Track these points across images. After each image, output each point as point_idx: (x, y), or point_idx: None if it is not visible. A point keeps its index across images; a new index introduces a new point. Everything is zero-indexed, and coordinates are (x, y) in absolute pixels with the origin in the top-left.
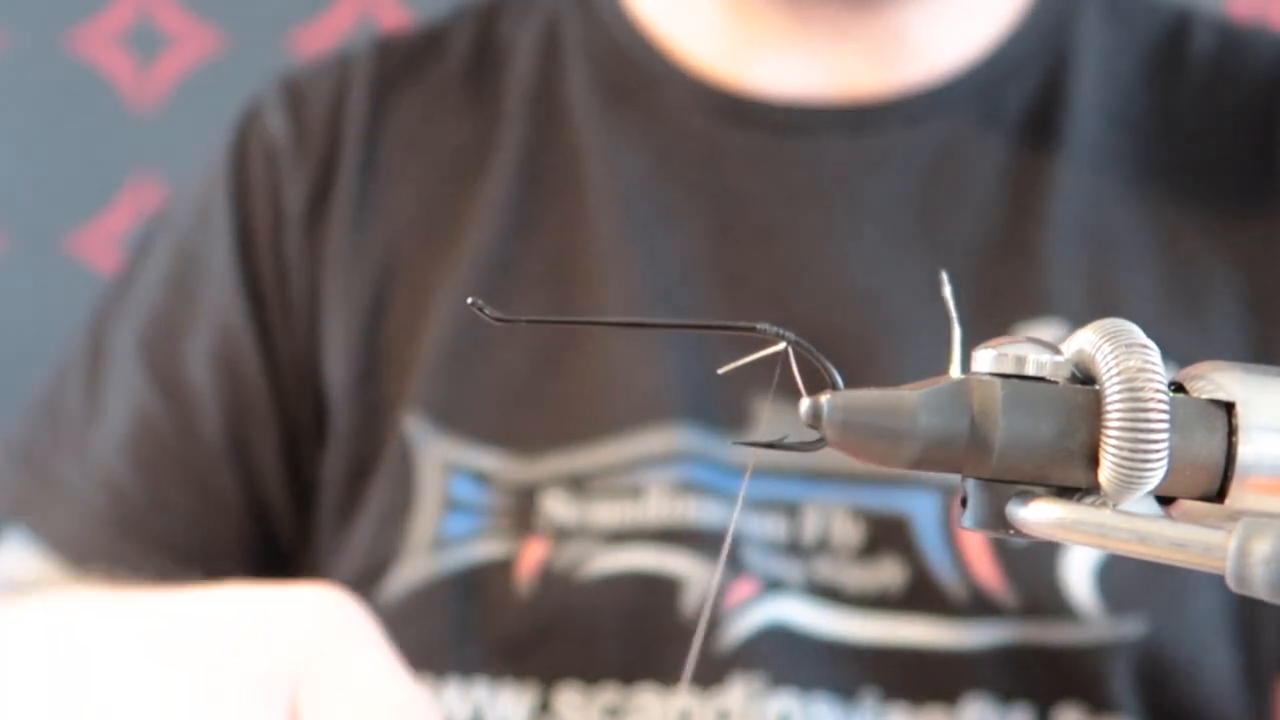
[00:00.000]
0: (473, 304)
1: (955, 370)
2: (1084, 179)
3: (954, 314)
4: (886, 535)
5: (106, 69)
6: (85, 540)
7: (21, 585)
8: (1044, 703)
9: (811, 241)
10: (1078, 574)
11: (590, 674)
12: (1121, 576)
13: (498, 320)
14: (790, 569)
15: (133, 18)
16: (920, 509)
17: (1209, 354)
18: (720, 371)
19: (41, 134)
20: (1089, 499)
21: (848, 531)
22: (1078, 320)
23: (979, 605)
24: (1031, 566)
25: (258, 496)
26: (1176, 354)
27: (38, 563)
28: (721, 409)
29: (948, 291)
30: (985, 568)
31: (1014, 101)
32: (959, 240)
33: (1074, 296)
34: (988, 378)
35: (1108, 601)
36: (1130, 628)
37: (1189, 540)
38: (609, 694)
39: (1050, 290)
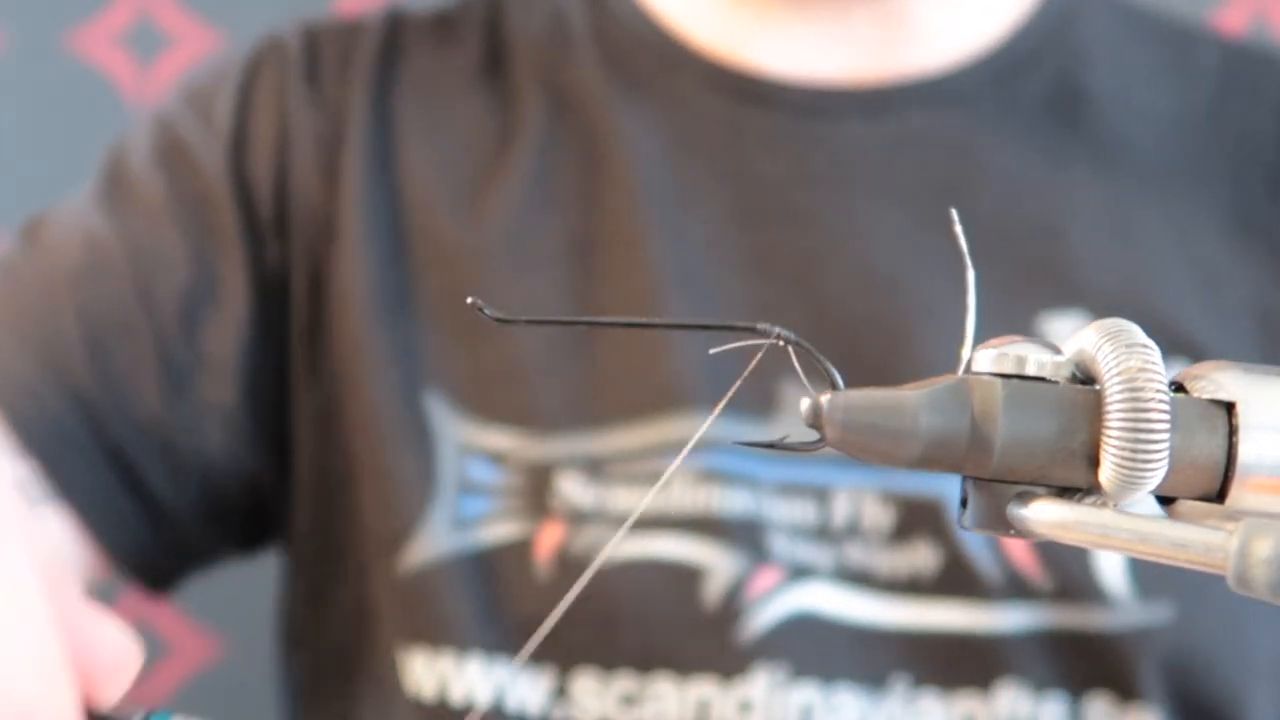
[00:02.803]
0: (473, 303)
1: (971, 321)
2: (1104, 170)
3: (966, 254)
4: (919, 518)
5: (106, 69)
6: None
7: None
8: (1075, 690)
9: (835, 225)
10: (1111, 557)
11: (607, 661)
12: None
13: (498, 320)
14: (819, 555)
15: (133, 18)
16: (954, 491)
17: (1236, 354)
18: (712, 352)
19: (41, 134)
20: (1090, 499)
21: (879, 515)
22: (1104, 311)
23: (1013, 588)
24: (1066, 548)
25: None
26: (1204, 354)
27: None
28: (745, 397)
29: (959, 229)
30: (1020, 550)
31: (1030, 91)
32: (982, 225)
33: (1102, 286)
34: (988, 378)
35: (1139, 585)
36: (1160, 613)
37: (1190, 540)
38: (625, 681)
39: (1077, 279)
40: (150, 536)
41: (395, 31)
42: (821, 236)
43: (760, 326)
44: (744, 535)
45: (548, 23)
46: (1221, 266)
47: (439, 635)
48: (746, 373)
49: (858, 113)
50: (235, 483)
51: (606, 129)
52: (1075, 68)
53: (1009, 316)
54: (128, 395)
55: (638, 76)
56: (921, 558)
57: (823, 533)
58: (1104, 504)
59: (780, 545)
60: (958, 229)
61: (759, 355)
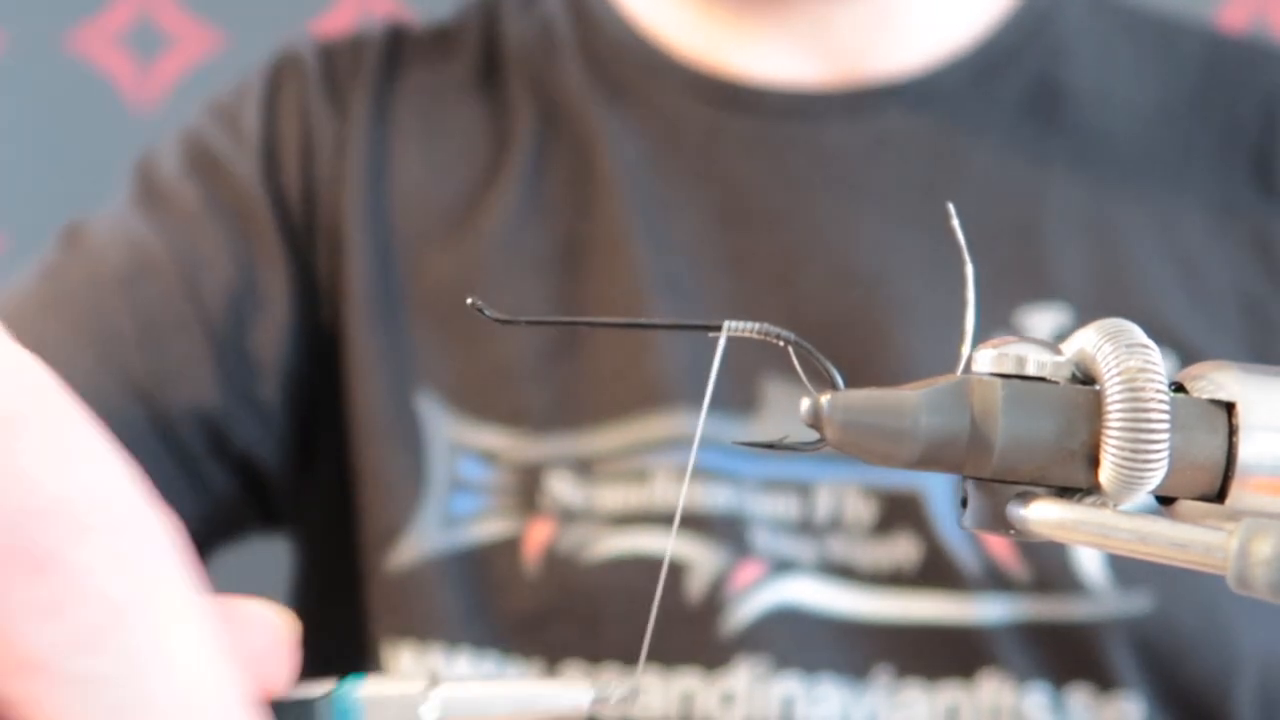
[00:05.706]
0: (472, 304)
1: (971, 318)
2: (1084, 165)
3: (965, 249)
4: (900, 512)
5: (106, 69)
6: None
7: None
8: (1057, 680)
9: (815, 225)
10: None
11: (593, 654)
12: None
13: (498, 321)
14: (802, 549)
15: (133, 18)
16: (933, 485)
17: (1219, 344)
18: (721, 334)
19: (41, 134)
20: (1089, 499)
21: (860, 509)
22: (1083, 305)
23: (992, 580)
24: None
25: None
26: (1187, 344)
27: None
28: (729, 393)
29: (956, 223)
30: (999, 542)
31: (1009, 89)
32: (961, 222)
33: (1079, 281)
34: (988, 377)
35: (1117, 575)
36: (1138, 602)
37: (1190, 541)
38: (611, 675)
39: (1054, 274)
40: (198, 529)
41: (396, 45)
42: (801, 236)
43: (762, 327)
44: (727, 530)
45: (538, 32)
46: (1204, 255)
47: (428, 630)
48: (714, 370)
49: (836, 114)
50: (265, 479)
51: (592, 136)
52: (1054, 64)
53: (989, 311)
54: (185, 387)
55: (621, 85)
56: (902, 550)
57: (805, 527)
58: (1104, 504)
59: (762, 539)
60: (954, 223)
61: (720, 350)
